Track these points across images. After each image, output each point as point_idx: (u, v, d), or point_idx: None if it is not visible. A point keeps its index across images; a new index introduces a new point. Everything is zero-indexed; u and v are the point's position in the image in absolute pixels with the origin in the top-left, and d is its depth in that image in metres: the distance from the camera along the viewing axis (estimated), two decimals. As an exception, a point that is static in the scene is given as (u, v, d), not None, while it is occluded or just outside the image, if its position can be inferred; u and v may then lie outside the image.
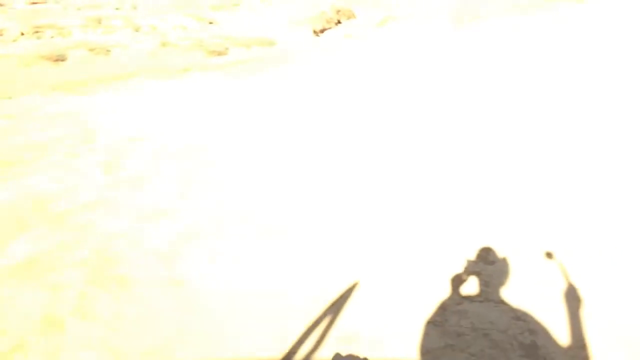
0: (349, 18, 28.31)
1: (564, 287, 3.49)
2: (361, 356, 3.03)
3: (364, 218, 4.68)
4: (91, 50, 14.73)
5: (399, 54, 12.64)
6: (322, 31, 23.27)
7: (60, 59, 13.74)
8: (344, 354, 3.01)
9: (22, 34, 16.89)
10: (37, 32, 17.21)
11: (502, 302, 3.37)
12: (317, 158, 6.19)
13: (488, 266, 3.84)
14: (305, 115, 8.02)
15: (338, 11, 26.90)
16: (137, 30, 19.37)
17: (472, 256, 4.02)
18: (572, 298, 3.38)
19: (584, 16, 12.42)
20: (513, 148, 6.07)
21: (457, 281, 3.72)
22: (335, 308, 3.57)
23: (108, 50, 14.90)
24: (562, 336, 3.03)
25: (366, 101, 8.59)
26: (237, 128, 7.51)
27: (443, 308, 3.42)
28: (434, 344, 3.10)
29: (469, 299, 3.46)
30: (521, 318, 3.21)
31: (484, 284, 3.60)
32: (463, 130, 6.84)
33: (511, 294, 3.49)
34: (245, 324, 3.34)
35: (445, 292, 3.59)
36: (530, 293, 3.45)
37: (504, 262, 3.89)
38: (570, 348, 2.91)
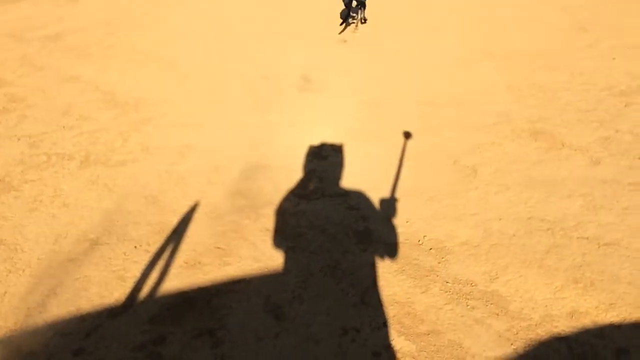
0: None
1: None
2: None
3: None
4: None
5: None
6: None
7: None
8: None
9: None
10: None
11: (337, 195, 3.66)
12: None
13: (321, 162, 4.08)
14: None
15: None
16: None
17: (306, 153, 4.23)
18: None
19: None
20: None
21: (294, 183, 3.89)
22: (176, 236, 3.48)
23: None
24: (389, 216, 3.50)
25: None
26: None
27: (283, 212, 3.57)
28: (277, 249, 3.25)
29: (305, 198, 3.69)
30: (354, 207, 3.56)
31: (318, 180, 3.84)
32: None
33: (344, 184, 3.80)
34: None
35: (284, 196, 3.75)
36: (361, 182, 3.83)
37: (335, 155, 4.17)
38: (395, 226, 3.40)
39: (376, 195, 3.65)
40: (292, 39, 6.80)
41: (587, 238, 3.02)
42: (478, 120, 4.43)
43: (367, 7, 7.59)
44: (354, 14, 7.56)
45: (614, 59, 5.15)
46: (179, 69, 6.08)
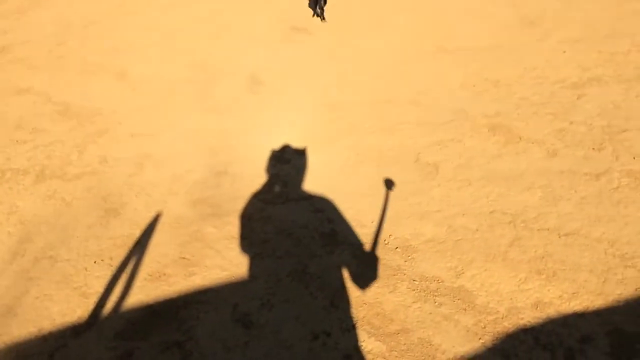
0: None
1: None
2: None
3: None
4: None
5: None
6: None
7: None
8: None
9: None
10: None
11: (302, 198, 3.65)
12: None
13: (284, 165, 4.05)
14: None
15: None
16: None
17: (268, 158, 4.20)
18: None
19: None
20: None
21: (258, 188, 3.86)
22: (139, 248, 3.40)
23: None
24: (354, 217, 3.50)
25: None
26: None
27: (248, 218, 3.53)
28: (244, 256, 3.21)
29: (270, 203, 3.65)
30: (319, 209, 3.55)
31: (282, 184, 3.82)
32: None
33: (308, 187, 3.79)
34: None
35: (248, 202, 3.71)
36: (325, 184, 3.82)
37: (298, 158, 4.16)
38: (361, 227, 3.40)
39: (340, 196, 3.65)
40: (244, 42, 6.73)
41: (548, 229, 3.08)
42: (436, 117, 4.48)
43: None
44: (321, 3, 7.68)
45: (564, 52, 5.29)
46: (132, 78, 5.95)
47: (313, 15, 7.85)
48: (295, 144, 4.36)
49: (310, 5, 7.85)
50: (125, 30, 7.64)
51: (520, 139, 3.93)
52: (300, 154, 4.21)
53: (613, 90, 4.33)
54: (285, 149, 4.31)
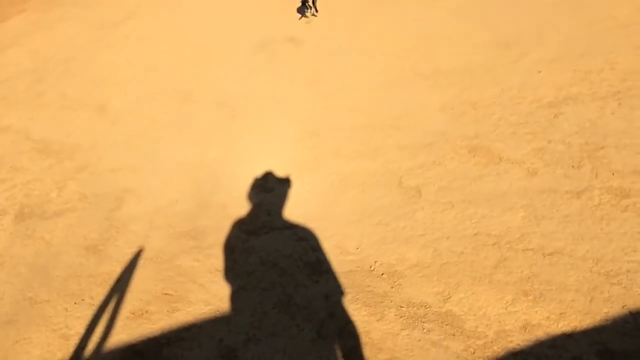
0: None
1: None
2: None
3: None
4: None
5: None
6: None
7: None
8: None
9: None
10: None
11: (286, 227, 3.61)
12: None
13: (267, 194, 4.02)
14: None
15: None
16: None
17: (250, 187, 4.17)
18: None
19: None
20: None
21: (240, 219, 3.82)
22: (121, 286, 3.32)
23: None
24: (338, 244, 3.47)
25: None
26: None
27: (231, 250, 3.48)
28: (228, 289, 3.16)
29: (254, 233, 3.61)
30: (304, 238, 3.51)
31: (266, 214, 3.79)
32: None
33: (292, 216, 3.76)
34: None
35: (231, 233, 3.66)
36: (309, 211, 3.80)
37: (281, 186, 4.13)
38: (346, 254, 3.37)
39: (324, 223, 3.62)
40: (225, 71, 6.74)
41: (532, 249, 3.07)
42: (417, 141, 4.49)
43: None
44: (310, 6, 8.29)
45: (539, 72, 5.36)
46: (112, 112, 5.90)
47: (300, 18, 8.30)
48: (278, 171, 4.33)
49: (299, 11, 8.44)
50: (104, 64, 7.63)
51: (501, 159, 3.95)
52: (283, 182, 4.19)
53: (589, 108, 4.39)
54: (268, 177, 4.28)
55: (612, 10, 6.29)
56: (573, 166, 3.69)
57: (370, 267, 3.20)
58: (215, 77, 6.53)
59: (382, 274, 3.13)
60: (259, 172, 4.38)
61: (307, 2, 8.55)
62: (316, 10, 8.45)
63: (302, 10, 8.55)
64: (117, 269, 3.47)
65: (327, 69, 6.25)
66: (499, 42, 6.10)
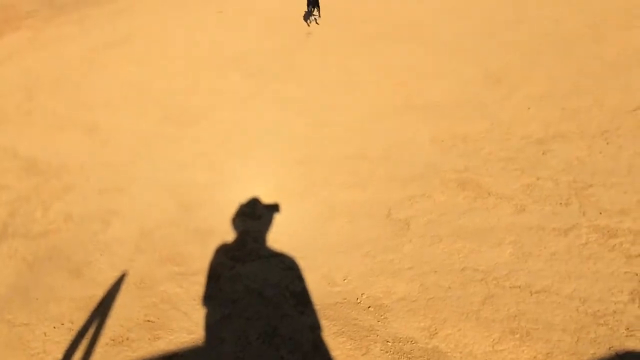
0: None
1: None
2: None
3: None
4: None
5: None
6: None
7: None
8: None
9: None
10: None
11: (273, 256, 3.57)
12: None
13: (255, 221, 3.98)
14: None
15: None
16: None
17: (238, 214, 4.13)
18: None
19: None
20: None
21: (227, 245, 3.78)
22: (102, 311, 3.26)
23: None
24: (326, 274, 3.43)
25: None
26: None
27: (217, 277, 3.43)
28: (212, 318, 3.10)
29: (240, 260, 3.56)
30: (290, 267, 3.47)
31: (253, 241, 3.74)
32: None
33: (280, 244, 3.72)
34: None
35: (217, 260, 3.61)
36: (297, 240, 3.77)
37: (270, 214, 4.10)
38: (333, 285, 3.33)
39: (312, 253, 3.59)
40: (217, 97, 6.76)
41: (520, 286, 3.06)
42: (406, 173, 4.50)
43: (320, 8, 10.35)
44: (314, 12, 10.20)
45: (528, 108, 5.42)
46: (102, 133, 5.89)
47: (309, 25, 10.09)
48: (267, 199, 4.31)
49: (305, 18, 10.22)
50: (97, 84, 7.63)
51: (490, 194, 3.96)
52: (272, 209, 4.16)
53: (577, 146, 4.44)
54: (257, 204, 4.26)
55: (599, 50, 6.42)
56: (561, 203, 3.71)
57: (357, 299, 3.16)
58: (207, 103, 6.54)
59: (369, 307, 3.09)
60: (247, 198, 4.35)
61: (312, 11, 10.22)
62: (319, 16, 10.22)
63: (307, 17, 10.61)
64: (99, 293, 3.40)
65: (319, 99, 6.28)
66: (489, 78, 6.18)
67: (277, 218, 4.05)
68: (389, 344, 2.82)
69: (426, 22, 9.42)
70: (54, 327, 3.10)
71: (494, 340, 2.77)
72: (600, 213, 3.57)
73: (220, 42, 9.69)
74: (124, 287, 3.42)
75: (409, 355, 2.73)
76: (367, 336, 2.88)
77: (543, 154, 4.42)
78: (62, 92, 7.39)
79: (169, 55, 9.01)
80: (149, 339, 2.95)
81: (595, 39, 7.06)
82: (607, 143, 4.42)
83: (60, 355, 2.89)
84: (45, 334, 3.08)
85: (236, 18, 11.85)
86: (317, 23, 10.49)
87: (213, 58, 8.57)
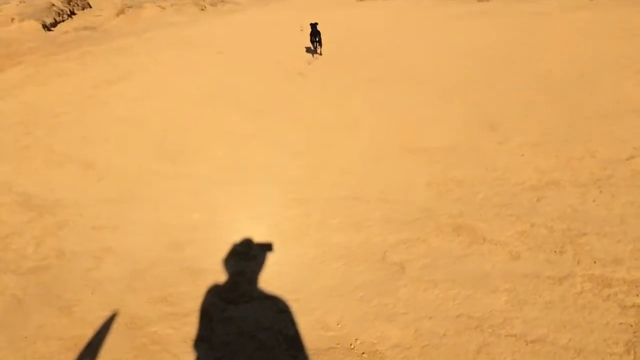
0: (83, 9, 25.83)
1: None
2: None
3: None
4: None
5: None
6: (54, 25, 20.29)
7: None
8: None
9: None
10: None
11: (266, 298, 3.53)
12: None
13: (250, 262, 3.96)
14: None
15: (70, 1, 23.83)
16: None
17: (233, 254, 4.10)
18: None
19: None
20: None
21: (220, 286, 3.74)
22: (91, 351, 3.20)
23: None
24: (320, 318, 3.39)
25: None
26: None
27: (209, 318, 3.38)
28: (203, 360, 3.05)
29: (233, 302, 3.52)
30: (284, 310, 3.43)
31: (247, 282, 3.70)
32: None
33: (274, 286, 3.67)
34: None
35: (210, 301, 3.56)
36: (292, 282, 3.73)
37: (264, 254, 4.07)
38: (326, 329, 3.29)
39: (307, 295, 3.55)
40: (213, 135, 6.83)
41: (515, 335, 3.03)
42: (402, 216, 4.51)
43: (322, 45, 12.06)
44: (316, 46, 11.99)
45: (522, 155, 5.49)
46: (98, 169, 5.91)
47: (314, 55, 12.11)
48: (262, 239, 4.30)
49: (308, 51, 12.39)
50: (95, 120, 7.69)
51: (484, 240, 3.96)
52: (266, 250, 4.14)
53: (570, 194, 4.47)
54: (251, 244, 4.23)
55: (591, 99, 6.55)
56: (555, 251, 3.71)
57: (351, 345, 3.12)
58: (204, 142, 6.59)
59: (363, 353, 3.04)
60: (241, 238, 4.33)
61: (315, 45, 11.95)
62: (320, 54, 12.08)
63: (312, 50, 12.39)
64: (89, 333, 3.33)
65: (316, 140, 6.35)
66: (484, 124, 6.27)
67: (272, 259, 4.03)
68: (383, 392, 2.78)
69: (424, 68, 9.63)
70: (41, 368, 3.03)
71: (489, 390, 2.73)
72: (595, 262, 3.57)
73: (219, 81, 9.85)
74: (114, 327, 3.36)
75: (402, 404, 2.68)
76: (360, 383, 2.84)
77: (537, 200, 4.45)
78: (60, 127, 7.44)
79: (168, 93, 9.13)
80: (138, 382, 2.90)
81: (587, 89, 7.22)
82: (600, 192, 4.46)
83: (45, 396, 2.83)
84: (32, 374, 3.01)
85: (236, 59, 12.08)
86: (319, 54, 12.16)
87: (212, 97, 8.69)
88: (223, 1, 28.29)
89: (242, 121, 7.41)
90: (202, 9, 25.30)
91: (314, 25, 11.75)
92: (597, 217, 4.10)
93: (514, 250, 3.79)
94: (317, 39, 11.88)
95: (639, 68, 7.94)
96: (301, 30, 15.17)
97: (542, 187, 4.69)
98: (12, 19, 19.71)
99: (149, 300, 3.59)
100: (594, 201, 4.33)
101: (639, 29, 11.21)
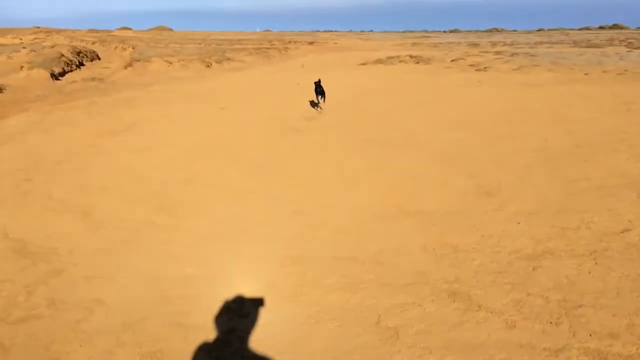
0: (92, 60, 26.75)
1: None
2: None
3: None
4: None
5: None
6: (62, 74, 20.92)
7: None
8: None
9: None
10: None
11: (258, 358, 3.45)
12: None
13: (242, 320, 3.90)
14: None
15: (79, 53, 24.75)
16: None
17: (227, 310, 4.04)
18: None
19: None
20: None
21: (211, 344, 3.67)
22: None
23: None
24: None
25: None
26: None
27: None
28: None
29: (224, 361, 3.45)
30: (273, 372, 3.38)
31: (239, 340, 3.64)
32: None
33: (267, 346, 3.60)
34: None
35: (200, 358, 3.49)
36: (285, 343, 3.66)
37: (258, 312, 4.01)
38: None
39: (300, 357, 3.49)
40: (212, 190, 6.89)
41: (510, 407, 2.97)
42: (397, 279, 4.49)
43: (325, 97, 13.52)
44: (319, 99, 13.46)
45: (518, 223, 5.53)
46: (95, 219, 5.91)
47: (317, 108, 13.54)
48: (256, 296, 4.25)
49: (312, 105, 13.88)
50: (95, 170, 7.76)
51: (480, 307, 3.93)
52: (260, 308, 4.08)
53: (566, 264, 4.47)
54: (245, 301, 4.18)
55: (587, 171, 6.66)
56: (551, 322, 3.68)
57: (343, 411, 3.05)
58: (203, 195, 6.64)
59: (354, 420, 2.97)
60: (235, 295, 4.28)
61: (319, 99, 13.45)
62: (324, 102, 13.47)
63: (315, 103, 13.77)
64: (74, 388, 3.26)
65: (314, 199, 6.40)
66: (480, 190, 6.35)
67: (265, 317, 3.98)
68: None
69: (422, 131, 9.83)
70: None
71: None
72: (590, 335, 3.54)
73: (221, 136, 10.00)
74: (101, 383, 3.29)
75: None
76: None
77: (533, 269, 4.44)
78: (61, 175, 7.49)
79: (170, 145, 9.25)
80: None
81: (582, 161, 7.35)
82: (596, 263, 4.47)
83: None
84: None
85: (238, 114, 12.33)
86: (320, 109, 13.52)
87: (213, 151, 8.80)
88: (228, 59, 29.15)
89: (241, 176, 7.48)
90: (208, 66, 26.04)
91: (317, 82, 13.51)
92: (593, 289, 4.08)
93: (510, 319, 3.76)
94: (320, 92, 13.50)
95: (632, 142, 8.14)
96: (298, 84, 17.66)
97: (537, 256, 4.70)
98: (22, 67, 20.22)
99: (138, 355, 3.51)
100: (589, 273, 4.33)
101: (632, 104, 11.56)
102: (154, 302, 4.20)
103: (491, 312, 3.85)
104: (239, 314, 4.01)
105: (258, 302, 4.15)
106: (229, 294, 4.29)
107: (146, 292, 4.34)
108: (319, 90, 13.52)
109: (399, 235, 5.33)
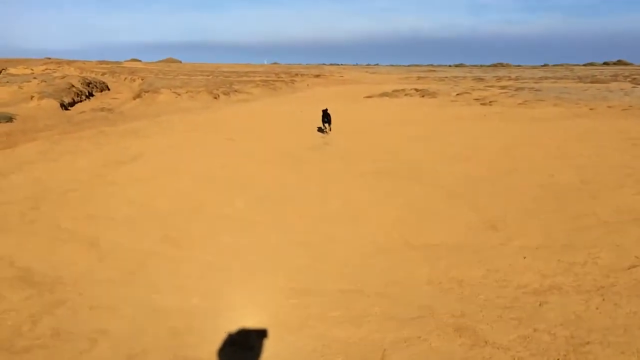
0: (102, 91, 27.36)
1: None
2: None
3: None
4: None
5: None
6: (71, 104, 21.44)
7: None
8: None
9: None
10: None
11: (262, 392, 3.46)
12: None
13: (247, 352, 3.88)
14: None
15: (89, 83, 25.33)
16: None
17: (231, 342, 4.03)
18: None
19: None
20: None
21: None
22: None
23: None
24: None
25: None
26: None
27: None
28: None
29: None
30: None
31: (243, 374, 3.62)
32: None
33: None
34: None
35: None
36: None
37: (262, 345, 3.98)
38: None
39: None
40: (218, 221, 6.91)
41: None
42: (402, 313, 4.46)
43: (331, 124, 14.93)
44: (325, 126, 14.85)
45: (524, 257, 5.52)
46: (101, 248, 5.92)
47: (324, 134, 14.77)
48: (261, 329, 4.23)
49: (319, 130, 15.18)
50: (102, 199, 7.80)
51: (486, 343, 3.89)
52: (265, 340, 4.06)
53: (573, 300, 4.45)
54: (250, 333, 4.16)
55: (593, 207, 6.67)
56: (558, 359, 3.65)
57: None
58: (209, 225, 6.66)
59: None
60: (240, 327, 4.27)
61: (325, 126, 14.83)
62: (330, 130, 14.84)
63: (322, 129, 15.08)
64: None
65: (320, 231, 6.41)
66: (486, 224, 6.35)
67: (269, 350, 3.95)
68: None
69: (428, 164, 9.90)
70: None
71: None
72: (598, 373, 3.50)
73: (227, 166, 10.08)
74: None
75: None
76: None
77: (540, 305, 4.42)
78: (68, 204, 7.54)
79: (177, 176, 9.32)
80: None
81: (589, 196, 7.37)
82: (604, 299, 4.44)
83: None
84: None
85: (245, 145, 12.44)
86: (327, 133, 14.83)
87: (220, 182, 8.86)
88: (236, 91, 29.55)
89: (248, 208, 7.51)
90: (216, 97, 26.40)
91: (325, 110, 14.96)
92: (600, 325, 4.05)
93: (517, 355, 3.71)
94: (327, 120, 14.92)
95: (638, 178, 8.15)
96: (301, 112, 19.66)
97: (544, 292, 4.68)
98: (32, 97, 20.53)
99: (141, 388, 3.50)
100: (597, 309, 4.30)
101: (638, 139, 11.63)
102: (159, 333, 4.18)
103: (498, 348, 3.81)
104: (244, 347, 3.99)
105: (263, 335, 4.13)
106: (234, 325, 4.27)
107: (151, 323, 4.32)
108: (326, 118, 14.91)
109: (404, 268, 5.32)
